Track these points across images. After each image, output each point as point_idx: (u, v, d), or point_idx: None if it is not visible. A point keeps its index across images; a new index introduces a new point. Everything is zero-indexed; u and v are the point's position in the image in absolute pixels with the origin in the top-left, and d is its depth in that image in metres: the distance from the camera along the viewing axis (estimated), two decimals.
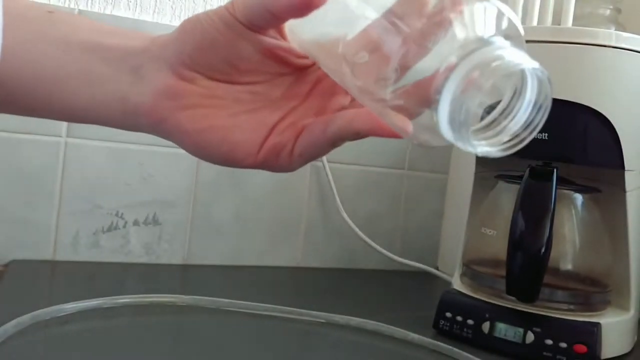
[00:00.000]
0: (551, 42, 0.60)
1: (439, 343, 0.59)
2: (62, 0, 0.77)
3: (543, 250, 0.56)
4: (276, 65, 0.34)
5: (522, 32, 0.28)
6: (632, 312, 0.63)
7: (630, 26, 0.81)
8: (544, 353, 0.58)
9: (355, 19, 0.29)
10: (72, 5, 0.77)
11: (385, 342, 0.61)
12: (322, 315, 0.64)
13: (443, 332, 0.63)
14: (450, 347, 0.58)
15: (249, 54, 0.33)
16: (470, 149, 0.27)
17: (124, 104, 0.35)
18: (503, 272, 0.59)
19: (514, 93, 0.27)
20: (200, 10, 0.84)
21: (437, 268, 0.93)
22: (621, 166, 0.60)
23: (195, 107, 0.34)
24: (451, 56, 0.26)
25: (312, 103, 0.36)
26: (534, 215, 0.58)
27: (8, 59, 0.33)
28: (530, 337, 0.59)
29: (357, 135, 0.33)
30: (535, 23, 0.76)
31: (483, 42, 0.26)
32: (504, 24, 0.27)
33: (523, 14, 0.78)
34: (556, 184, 0.58)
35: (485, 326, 0.61)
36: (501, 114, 0.27)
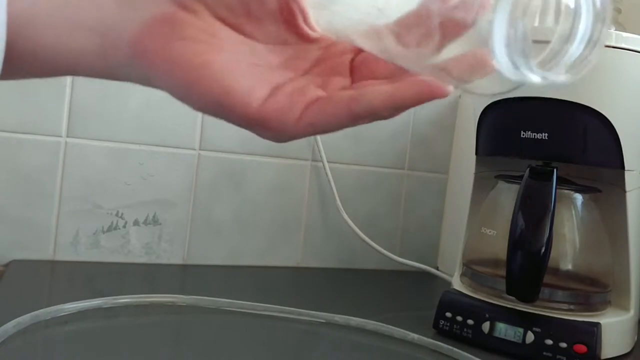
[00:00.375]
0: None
1: (439, 343, 0.59)
2: None
3: (543, 250, 0.56)
4: (283, 29, 0.33)
5: None
6: (632, 312, 0.63)
7: (630, 26, 0.81)
8: (544, 353, 0.58)
9: None
10: None
11: (385, 342, 0.61)
12: (322, 315, 0.64)
13: (443, 332, 0.63)
14: (450, 347, 0.58)
15: (270, 1, 0.31)
16: (532, 78, 0.25)
17: (104, 35, 0.31)
18: (503, 272, 0.59)
19: (568, 14, 0.25)
20: None
21: (437, 268, 0.93)
22: (621, 166, 0.60)
23: (193, 40, 0.30)
24: None
25: (313, 78, 0.34)
26: (534, 215, 0.58)
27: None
28: (530, 337, 0.59)
29: (398, 110, 0.30)
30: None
31: None
32: None
33: None
34: (556, 184, 0.58)
35: (485, 326, 0.61)
36: (560, 39, 0.25)
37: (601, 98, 0.59)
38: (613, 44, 0.59)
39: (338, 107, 0.30)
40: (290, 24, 0.32)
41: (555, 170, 0.58)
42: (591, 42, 0.26)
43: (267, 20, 0.32)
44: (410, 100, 0.30)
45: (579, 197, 0.64)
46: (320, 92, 0.32)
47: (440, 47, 0.27)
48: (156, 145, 0.80)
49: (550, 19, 0.26)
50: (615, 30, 0.75)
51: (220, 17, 0.31)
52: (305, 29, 0.33)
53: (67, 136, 0.77)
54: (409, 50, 0.29)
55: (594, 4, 0.25)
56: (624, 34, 0.60)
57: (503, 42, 0.24)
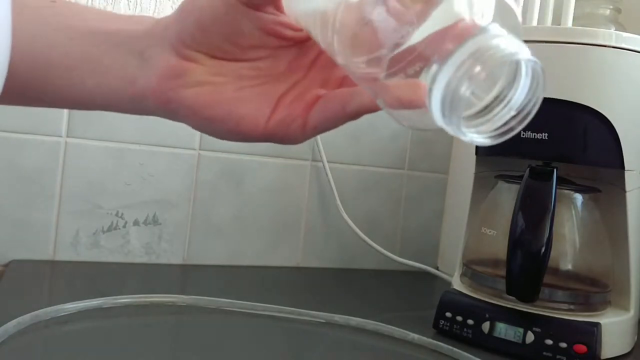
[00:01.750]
0: (551, 42, 0.60)
1: (439, 343, 0.59)
2: None
3: (543, 250, 0.56)
4: (276, 40, 0.35)
5: (519, 16, 0.27)
6: (632, 312, 0.63)
7: (630, 26, 0.81)
8: (544, 353, 0.58)
9: None
10: None
11: (385, 342, 0.61)
12: (322, 315, 0.64)
13: (443, 332, 0.63)
14: (450, 347, 0.58)
15: (249, 30, 0.33)
16: (459, 135, 0.27)
17: (130, 87, 0.36)
18: (503, 272, 0.59)
19: (507, 81, 0.27)
20: None
21: (437, 268, 0.93)
22: (621, 166, 0.60)
23: (200, 85, 0.34)
24: (446, 42, 0.26)
25: (315, 75, 0.36)
26: (534, 215, 0.58)
27: (17, 49, 0.34)
28: (530, 337, 0.59)
29: (377, 109, 0.33)
30: (535, 23, 0.76)
31: (480, 30, 0.26)
32: (501, 9, 0.27)
33: (523, 14, 0.78)
34: (556, 184, 0.58)
35: (485, 326, 0.61)
36: (493, 100, 0.27)
37: (601, 98, 0.59)
38: (613, 44, 0.59)
39: (333, 109, 0.34)
40: (281, 37, 0.35)
41: (555, 170, 0.58)
42: (520, 115, 0.27)
43: (259, 44, 0.35)
44: (389, 105, 0.31)
45: (579, 197, 0.64)
46: (320, 91, 0.35)
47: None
48: (156, 145, 0.80)
49: (490, 85, 0.27)
50: (615, 30, 0.75)
51: (217, 56, 0.35)
52: (296, 34, 0.35)
53: (67, 136, 0.77)
54: (349, 57, 0.30)
55: (533, 84, 0.27)
56: (624, 34, 0.60)
57: (440, 92, 0.25)
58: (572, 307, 0.61)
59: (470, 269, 0.66)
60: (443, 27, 0.26)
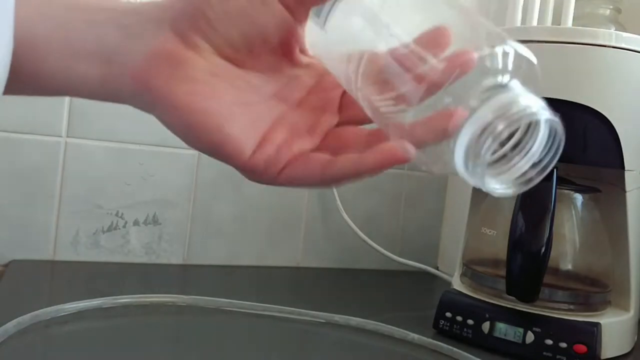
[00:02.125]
0: (551, 42, 0.60)
1: (439, 343, 0.59)
2: None
3: (543, 250, 0.56)
4: (280, 57, 0.33)
5: (537, 70, 0.28)
6: (632, 312, 0.63)
7: (630, 26, 0.81)
8: (544, 353, 0.58)
9: (381, 35, 0.30)
10: None
11: (385, 342, 0.61)
12: (322, 315, 0.64)
13: (443, 332, 0.63)
14: (450, 347, 0.58)
15: (271, 32, 0.31)
16: (480, 186, 0.28)
17: (107, 64, 0.32)
18: (503, 272, 0.59)
19: (527, 132, 0.28)
20: None
21: (437, 268, 0.93)
22: (621, 166, 0.60)
23: (196, 83, 0.31)
24: (471, 99, 0.27)
25: (303, 115, 0.35)
26: (534, 215, 0.58)
27: None
28: (530, 337, 0.59)
29: (357, 179, 0.33)
30: (535, 23, 0.76)
31: (502, 88, 0.27)
32: (522, 66, 0.28)
33: (523, 14, 0.78)
34: (556, 184, 0.58)
35: (485, 326, 0.61)
36: (513, 150, 0.28)
37: (601, 98, 0.59)
38: (613, 44, 0.59)
39: (313, 170, 0.32)
40: (286, 54, 0.33)
41: (555, 170, 0.58)
42: (539, 166, 0.28)
43: (266, 54, 0.33)
44: (373, 168, 0.32)
45: (579, 197, 0.64)
46: (306, 146, 0.34)
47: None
48: (156, 145, 0.80)
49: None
50: (615, 30, 0.75)
51: (223, 53, 0.31)
52: (299, 56, 0.34)
53: (67, 136, 0.77)
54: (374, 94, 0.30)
55: (550, 139, 0.28)
56: (624, 34, 0.60)
57: (463, 148, 0.27)
58: (572, 307, 0.61)
59: (470, 269, 0.66)
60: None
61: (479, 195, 0.70)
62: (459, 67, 0.27)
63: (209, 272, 0.82)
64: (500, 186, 0.28)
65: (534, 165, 0.28)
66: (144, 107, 0.32)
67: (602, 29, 0.64)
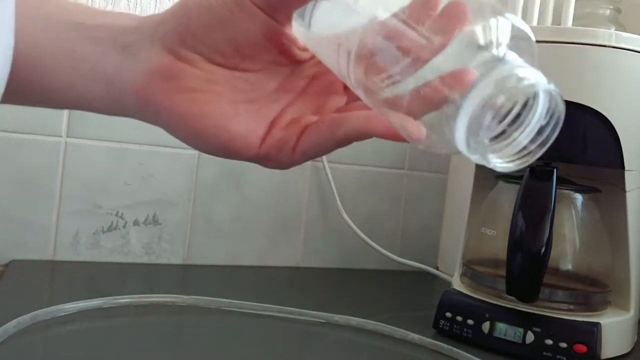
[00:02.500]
0: (551, 42, 0.60)
1: (439, 343, 0.59)
2: None
3: (543, 250, 0.56)
4: (276, 54, 0.34)
5: (534, 43, 0.28)
6: (632, 312, 0.63)
7: (630, 26, 0.81)
8: (544, 353, 0.58)
9: (365, 16, 0.29)
10: None
11: (385, 342, 0.61)
12: (322, 315, 0.64)
13: (443, 332, 0.63)
14: (450, 347, 0.58)
15: (256, 36, 0.32)
16: (482, 162, 0.27)
17: (109, 83, 0.33)
18: (503, 272, 0.59)
19: (525, 105, 0.27)
20: None
21: (437, 268, 0.93)
22: (621, 166, 0.60)
23: (194, 91, 0.32)
24: (468, 73, 0.26)
25: (308, 100, 0.35)
26: (534, 215, 0.58)
27: None
28: (530, 337, 0.59)
29: (369, 136, 0.32)
30: (535, 23, 0.76)
31: (498, 61, 0.26)
32: (518, 38, 0.27)
33: (523, 14, 0.78)
34: (556, 184, 0.58)
35: (485, 326, 0.61)
36: (511, 125, 0.27)
37: (601, 98, 0.59)
38: (613, 44, 0.59)
39: (322, 134, 0.33)
40: (283, 51, 0.34)
41: (555, 170, 0.58)
42: (539, 139, 0.28)
43: (259, 54, 0.33)
44: (379, 135, 0.32)
45: (579, 197, 0.64)
46: (310, 118, 0.34)
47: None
48: (156, 145, 0.80)
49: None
50: (615, 30, 0.75)
51: (215, 61, 0.32)
52: (298, 52, 0.34)
53: (67, 136, 0.77)
54: (369, 76, 0.30)
55: (550, 110, 0.27)
56: (624, 34, 0.60)
57: (465, 123, 0.26)
58: (572, 307, 0.61)
59: (470, 269, 0.66)
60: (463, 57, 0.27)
61: (479, 195, 0.70)
62: (451, 31, 0.26)
63: (209, 272, 0.82)
64: (501, 160, 0.28)
65: (535, 138, 0.28)
66: (150, 119, 0.34)
67: (602, 29, 0.64)
